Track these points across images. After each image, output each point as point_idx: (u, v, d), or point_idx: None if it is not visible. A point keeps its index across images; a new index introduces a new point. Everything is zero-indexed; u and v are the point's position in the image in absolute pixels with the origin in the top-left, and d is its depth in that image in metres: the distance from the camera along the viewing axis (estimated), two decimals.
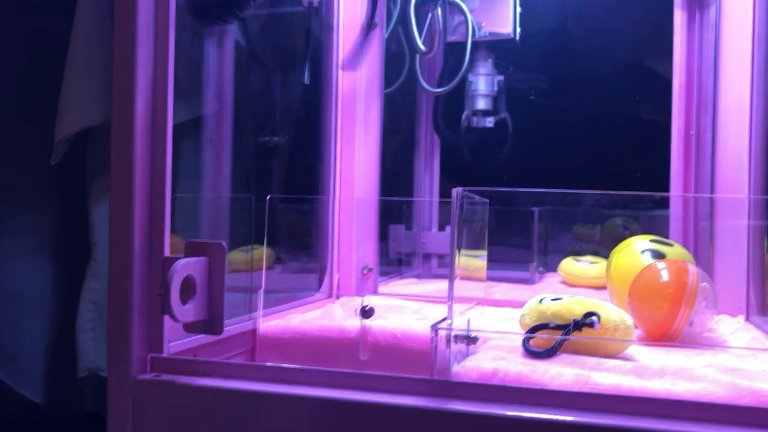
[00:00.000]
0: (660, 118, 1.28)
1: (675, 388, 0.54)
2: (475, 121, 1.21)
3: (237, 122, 0.96)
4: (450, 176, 1.34)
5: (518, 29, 1.14)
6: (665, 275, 0.71)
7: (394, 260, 1.22)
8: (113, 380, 0.59)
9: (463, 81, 1.17)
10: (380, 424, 0.53)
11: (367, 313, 0.74)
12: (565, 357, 0.60)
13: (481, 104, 1.19)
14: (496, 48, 1.18)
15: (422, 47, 1.07)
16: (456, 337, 0.60)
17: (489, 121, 1.21)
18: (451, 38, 1.13)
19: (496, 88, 1.20)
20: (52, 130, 0.90)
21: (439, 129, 1.27)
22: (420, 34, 1.07)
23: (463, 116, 1.21)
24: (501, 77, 1.21)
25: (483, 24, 1.13)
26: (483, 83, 1.19)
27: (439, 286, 1.11)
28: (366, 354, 0.75)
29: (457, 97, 1.23)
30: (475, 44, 1.15)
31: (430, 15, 1.11)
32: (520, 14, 1.14)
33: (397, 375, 0.55)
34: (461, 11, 1.10)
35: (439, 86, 1.17)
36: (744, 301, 0.87)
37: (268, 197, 0.84)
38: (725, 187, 0.89)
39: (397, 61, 1.16)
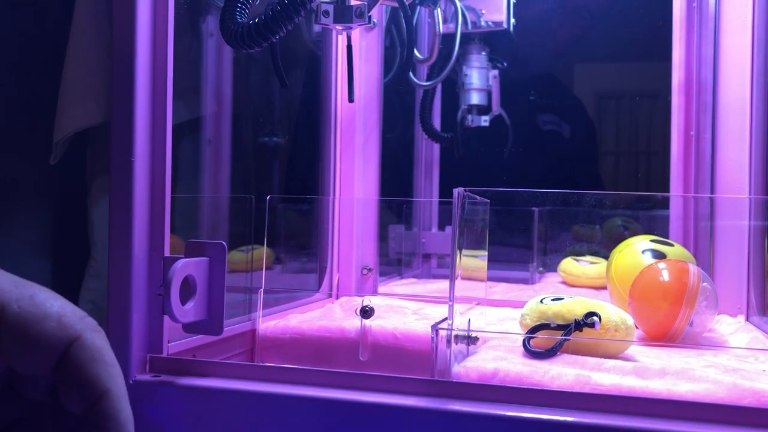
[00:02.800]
0: (658, 116, 1.28)
1: (676, 388, 0.54)
2: (470, 120, 1.18)
3: (236, 123, 0.96)
4: (450, 175, 1.34)
5: (512, 20, 1.13)
6: (666, 275, 0.70)
7: (394, 260, 1.22)
8: None
9: (456, 75, 1.15)
10: (380, 424, 0.53)
11: (366, 313, 0.74)
12: (566, 357, 0.60)
13: (475, 99, 1.17)
14: (490, 41, 1.16)
15: (419, 55, 1.05)
16: (456, 337, 0.60)
17: (484, 120, 1.19)
18: (445, 30, 1.10)
19: (490, 83, 1.17)
20: (52, 130, 0.90)
21: (427, 126, 1.23)
22: (416, 41, 1.06)
23: (459, 112, 1.18)
24: (495, 72, 1.18)
25: (483, 11, 1.11)
26: (477, 77, 1.16)
27: (439, 286, 1.11)
28: (366, 354, 0.75)
29: (448, 96, 1.22)
30: (468, 37, 1.12)
31: (421, 12, 1.09)
32: (515, 4, 1.13)
33: (397, 375, 0.55)
34: (454, 1, 1.08)
35: (428, 79, 1.14)
36: (744, 301, 0.87)
37: (267, 197, 0.84)
38: (725, 188, 0.89)
39: (390, 54, 1.15)
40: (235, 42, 0.61)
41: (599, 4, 1.35)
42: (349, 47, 0.71)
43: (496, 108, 1.19)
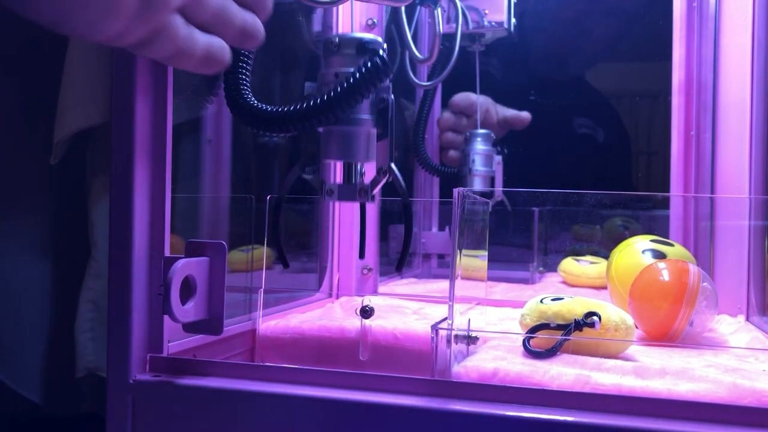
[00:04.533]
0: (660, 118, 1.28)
1: (676, 388, 0.54)
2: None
3: (236, 123, 0.95)
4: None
5: (513, 20, 1.12)
6: (666, 275, 0.70)
7: (394, 260, 1.22)
8: (112, 380, 0.59)
9: (463, 160, 1.13)
10: (380, 424, 0.53)
11: (367, 313, 0.74)
12: (566, 357, 0.60)
13: (478, 184, 1.15)
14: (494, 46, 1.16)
15: (419, 55, 1.05)
16: (456, 337, 0.60)
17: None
18: (446, 30, 1.09)
19: (494, 168, 1.16)
20: (52, 130, 0.90)
21: (421, 157, 1.18)
22: (415, 42, 1.05)
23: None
24: (499, 158, 1.17)
25: (486, 11, 1.10)
26: (481, 163, 1.14)
27: (439, 285, 1.11)
28: (366, 354, 0.75)
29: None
30: (471, 37, 1.12)
31: (421, 12, 1.08)
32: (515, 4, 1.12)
33: (397, 375, 0.55)
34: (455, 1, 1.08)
35: (429, 79, 1.12)
36: (744, 301, 0.87)
37: (268, 197, 0.84)
38: (725, 188, 0.89)
39: (389, 53, 1.14)
40: (257, 126, 0.62)
41: (599, 4, 1.35)
42: (362, 209, 0.73)
43: (499, 194, 1.18)
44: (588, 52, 1.36)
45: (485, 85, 1.20)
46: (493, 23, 1.11)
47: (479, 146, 1.14)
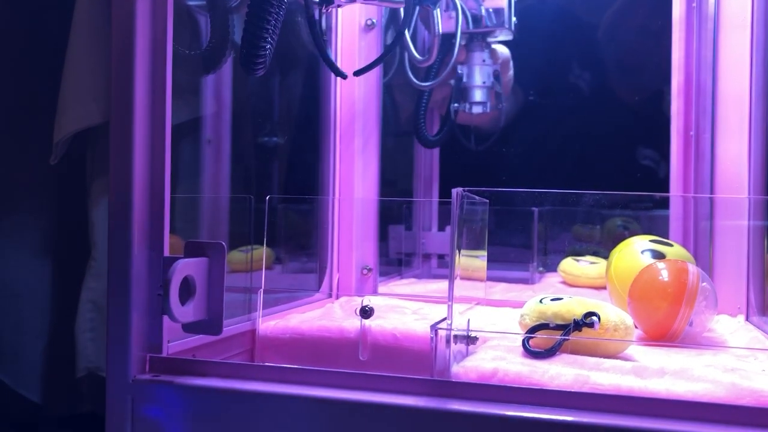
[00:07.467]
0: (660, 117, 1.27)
1: (675, 388, 0.54)
2: (468, 108, 1.14)
3: (236, 123, 0.96)
4: (449, 175, 1.33)
5: (513, 19, 1.11)
6: (665, 275, 0.70)
7: (394, 260, 1.22)
8: (112, 380, 0.59)
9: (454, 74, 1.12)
10: (380, 424, 0.53)
11: (366, 313, 0.74)
12: (565, 357, 0.60)
13: (478, 96, 1.14)
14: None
15: (418, 56, 1.05)
16: (456, 337, 0.60)
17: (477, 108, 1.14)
18: (446, 29, 1.07)
19: (492, 79, 1.14)
20: (52, 130, 0.90)
21: (421, 134, 1.18)
22: (415, 45, 1.04)
23: (452, 108, 1.15)
24: (497, 67, 1.15)
25: (483, 2, 1.09)
26: (478, 74, 1.13)
27: (439, 286, 1.11)
28: (366, 354, 0.75)
29: None
30: (471, 36, 1.11)
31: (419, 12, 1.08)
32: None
33: (397, 375, 0.55)
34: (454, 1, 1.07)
35: (426, 80, 1.10)
36: (744, 301, 0.87)
37: (267, 197, 0.84)
38: (725, 187, 0.89)
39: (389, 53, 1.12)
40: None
41: (599, 4, 1.35)
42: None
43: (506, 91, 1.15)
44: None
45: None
46: (490, 10, 1.09)
47: (475, 59, 1.13)
